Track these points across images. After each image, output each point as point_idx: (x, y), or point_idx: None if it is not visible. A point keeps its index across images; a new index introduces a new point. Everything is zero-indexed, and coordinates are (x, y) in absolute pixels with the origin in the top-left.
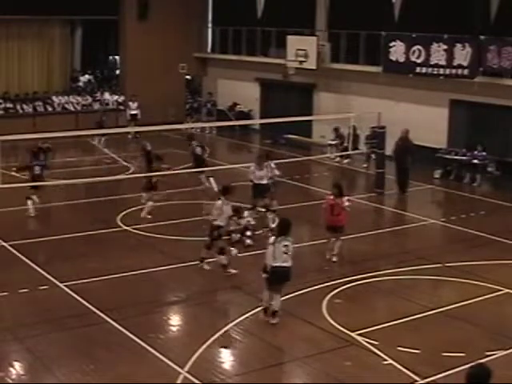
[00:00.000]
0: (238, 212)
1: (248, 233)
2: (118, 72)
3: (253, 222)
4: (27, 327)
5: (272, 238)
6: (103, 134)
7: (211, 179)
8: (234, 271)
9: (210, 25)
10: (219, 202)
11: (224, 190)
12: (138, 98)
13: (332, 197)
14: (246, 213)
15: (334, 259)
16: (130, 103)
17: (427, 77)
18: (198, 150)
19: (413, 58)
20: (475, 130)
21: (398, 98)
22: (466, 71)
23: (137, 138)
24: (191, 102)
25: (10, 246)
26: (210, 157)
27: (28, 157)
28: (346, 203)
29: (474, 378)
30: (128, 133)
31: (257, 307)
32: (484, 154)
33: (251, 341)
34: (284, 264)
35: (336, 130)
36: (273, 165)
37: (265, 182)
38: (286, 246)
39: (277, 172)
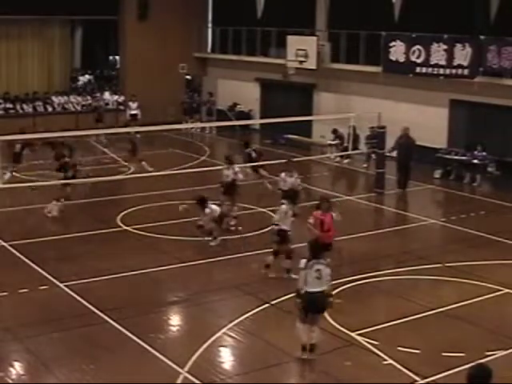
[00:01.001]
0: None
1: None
2: (117, 72)
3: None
4: (27, 327)
5: (303, 262)
6: (106, 134)
7: (143, 163)
8: (295, 276)
9: (210, 25)
10: (284, 206)
11: (288, 194)
12: (138, 97)
13: (320, 212)
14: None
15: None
16: (130, 103)
17: (427, 77)
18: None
19: (413, 58)
20: (475, 130)
21: (398, 98)
22: (466, 71)
23: (136, 138)
24: (189, 101)
25: (10, 246)
26: (210, 156)
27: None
28: (338, 217)
29: (475, 378)
30: (128, 133)
31: (257, 307)
32: (484, 154)
33: (251, 341)
34: (318, 289)
35: (335, 131)
36: (237, 168)
37: (296, 189)
38: (318, 270)
39: (240, 176)
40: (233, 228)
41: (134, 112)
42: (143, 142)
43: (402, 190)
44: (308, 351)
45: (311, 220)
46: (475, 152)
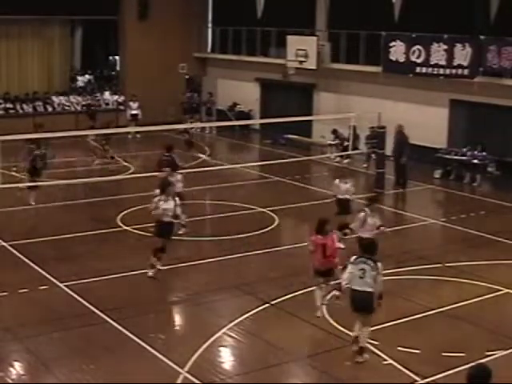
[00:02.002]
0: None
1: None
2: (118, 72)
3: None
4: (27, 327)
5: (352, 258)
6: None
7: None
8: None
9: (210, 25)
10: (362, 213)
11: (370, 199)
12: (138, 97)
13: (320, 236)
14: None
15: (318, 314)
16: (131, 103)
17: (427, 77)
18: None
19: (413, 58)
20: (475, 130)
21: (398, 98)
22: (466, 71)
23: (137, 138)
24: (188, 101)
25: (10, 246)
26: (210, 156)
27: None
28: (340, 245)
29: (475, 378)
30: (128, 133)
31: (257, 307)
32: (484, 153)
33: (251, 341)
34: (359, 288)
35: (335, 131)
36: (179, 177)
37: (348, 196)
38: (362, 269)
39: (180, 185)
40: (181, 232)
41: (134, 112)
42: (143, 141)
43: (401, 190)
44: (358, 354)
45: (311, 247)
46: (475, 152)
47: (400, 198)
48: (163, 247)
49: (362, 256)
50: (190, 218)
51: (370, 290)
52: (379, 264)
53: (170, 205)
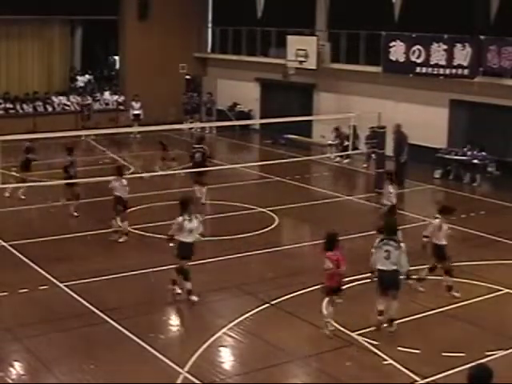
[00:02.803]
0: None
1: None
2: (118, 72)
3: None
4: (27, 327)
5: (376, 241)
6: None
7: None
8: (457, 294)
9: (210, 25)
10: (437, 220)
11: (443, 209)
12: (140, 97)
13: (332, 252)
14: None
15: (330, 330)
16: (133, 103)
17: (427, 77)
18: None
19: (413, 58)
20: (475, 130)
21: (398, 98)
22: (466, 71)
23: (137, 138)
24: (188, 101)
25: (10, 246)
26: (209, 157)
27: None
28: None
29: (476, 379)
30: (130, 133)
31: (257, 307)
32: (484, 153)
33: (251, 341)
34: (386, 268)
35: (336, 129)
36: (124, 182)
37: (384, 201)
38: (386, 251)
39: (127, 189)
40: (121, 240)
41: (136, 112)
42: (143, 141)
43: (400, 189)
44: (387, 324)
45: (329, 264)
46: (475, 152)
47: (400, 197)
48: (187, 272)
49: (384, 238)
50: None
51: (395, 268)
52: (402, 244)
53: (195, 224)
